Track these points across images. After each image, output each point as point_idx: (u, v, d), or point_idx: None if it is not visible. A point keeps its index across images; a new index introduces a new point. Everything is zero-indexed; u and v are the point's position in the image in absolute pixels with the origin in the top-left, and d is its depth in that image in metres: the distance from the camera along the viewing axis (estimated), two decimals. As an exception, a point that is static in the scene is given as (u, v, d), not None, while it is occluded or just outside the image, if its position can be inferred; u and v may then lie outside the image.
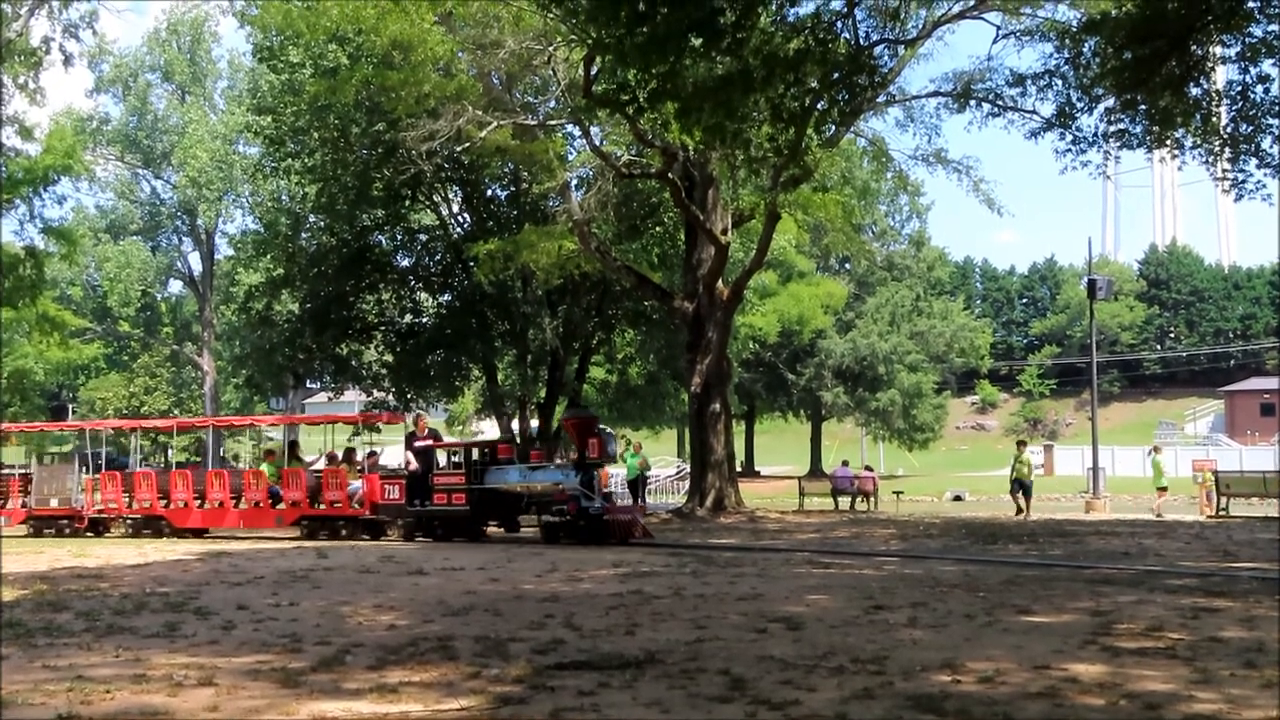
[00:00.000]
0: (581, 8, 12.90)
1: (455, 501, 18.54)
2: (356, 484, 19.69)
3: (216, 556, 15.68)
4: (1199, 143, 16.02)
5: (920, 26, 20.70)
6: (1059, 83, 16.56)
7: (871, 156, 25.82)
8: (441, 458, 18.92)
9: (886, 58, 18.52)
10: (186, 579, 12.49)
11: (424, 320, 31.50)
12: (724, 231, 22.24)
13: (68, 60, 28.64)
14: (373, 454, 21.07)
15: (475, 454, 18.77)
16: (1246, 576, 11.47)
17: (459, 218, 30.14)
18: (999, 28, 21.26)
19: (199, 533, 21.38)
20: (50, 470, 24.42)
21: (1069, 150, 16.46)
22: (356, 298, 30.08)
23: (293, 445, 23.87)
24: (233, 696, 6.08)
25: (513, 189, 29.13)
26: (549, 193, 26.18)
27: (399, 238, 30.76)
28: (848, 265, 60.58)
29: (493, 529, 19.38)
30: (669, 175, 21.44)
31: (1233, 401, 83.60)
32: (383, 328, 31.47)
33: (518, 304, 28.99)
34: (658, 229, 27.83)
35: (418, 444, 19.30)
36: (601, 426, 18.56)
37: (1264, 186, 15.20)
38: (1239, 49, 14.41)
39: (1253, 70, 14.42)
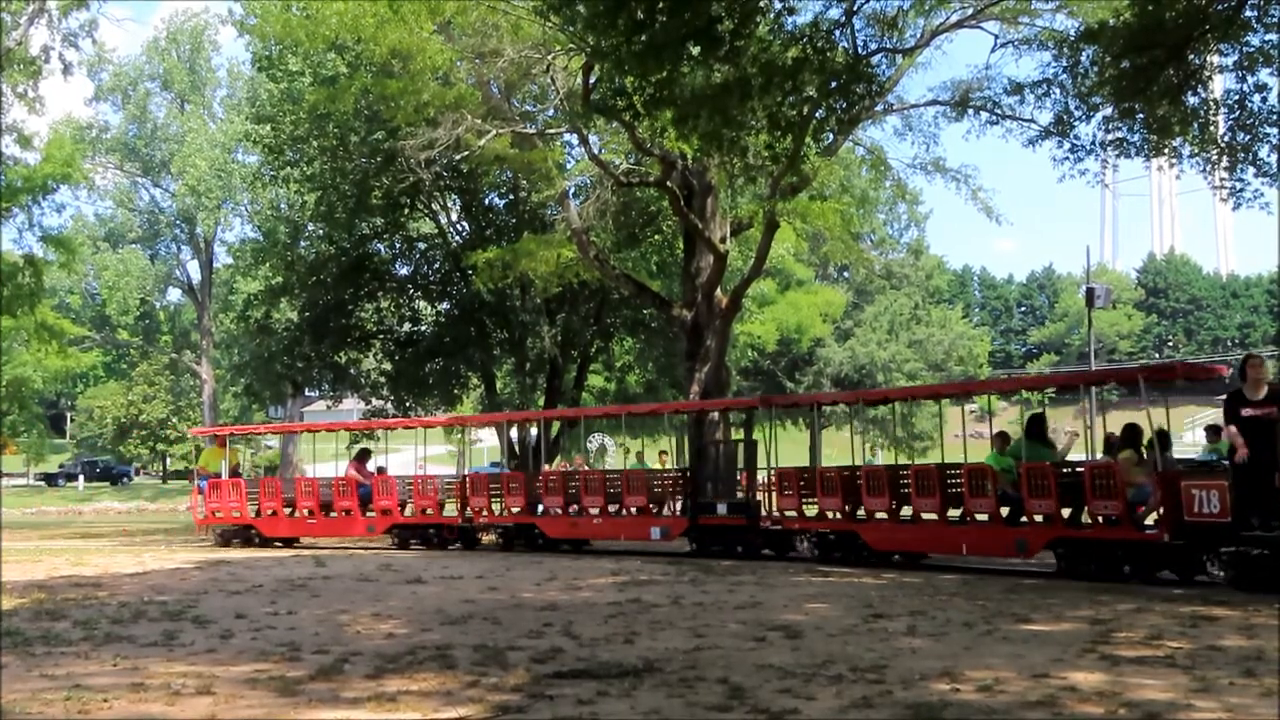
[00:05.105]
0: (580, 15, 12.90)
1: None
2: (1145, 485, 12.08)
3: (215, 565, 15.67)
4: (1197, 151, 16.01)
5: (918, 36, 20.66)
6: (1057, 91, 16.54)
7: (870, 165, 25.82)
8: None
9: (884, 67, 18.40)
10: (184, 587, 12.49)
11: (423, 328, 31.45)
12: (722, 240, 22.20)
13: (67, 69, 28.86)
14: (1164, 434, 12.44)
15: None
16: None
17: (458, 226, 30.13)
18: (997, 37, 21.29)
19: None
20: None
21: (1067, 159, 16.47)
22: (355, 306, 30.05)
23: (1035, 424, 15.13)
24: (231, 705, 6.07)
25: (511, 197, 29.14)
26: (548, 201, 26.17)
27: (398, 246, 30.74)
28: (846, 274, 60.70)
29: None
30: (667, 184, 21.44)
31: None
32: (381, 336, 31.45)
33: (516, 312, 28.98)
34: (656, 237, 27.81)
35: (1246, 411, 10.74)
36: None
37: (1261, 195, 15.19)
38: (1236, 58, 14.43)
39: (1250, 79, 14.44)
